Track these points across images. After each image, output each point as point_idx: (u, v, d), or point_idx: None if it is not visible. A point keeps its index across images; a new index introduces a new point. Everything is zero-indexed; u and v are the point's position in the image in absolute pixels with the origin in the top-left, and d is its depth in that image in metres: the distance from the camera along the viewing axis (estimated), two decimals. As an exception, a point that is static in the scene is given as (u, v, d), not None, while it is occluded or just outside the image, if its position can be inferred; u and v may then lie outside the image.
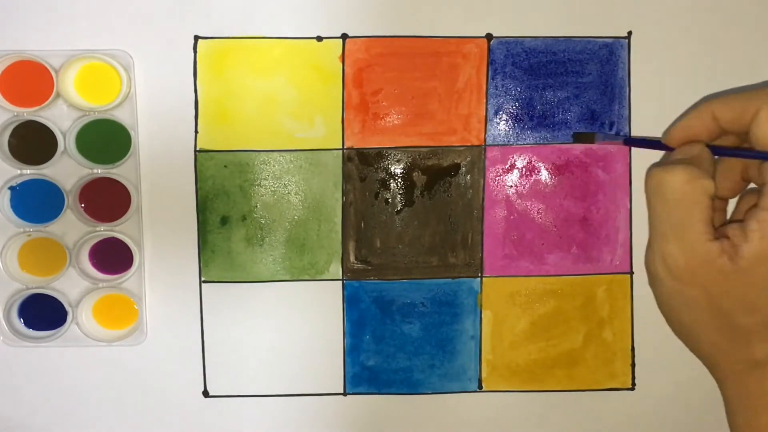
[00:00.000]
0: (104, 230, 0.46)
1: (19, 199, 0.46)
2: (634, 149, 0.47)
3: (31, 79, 0.45)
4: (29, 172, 0.45)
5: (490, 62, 0.46)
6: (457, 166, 0.47)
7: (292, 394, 0.48)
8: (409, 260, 0.47)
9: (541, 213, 0.47)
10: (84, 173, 0.45)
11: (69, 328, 0.46)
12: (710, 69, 0.46)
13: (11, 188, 0.46)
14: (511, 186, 0.47)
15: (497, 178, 0.47)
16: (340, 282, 0.47)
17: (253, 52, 0.46)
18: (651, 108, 0.46)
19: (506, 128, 0.47)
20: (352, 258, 0.47)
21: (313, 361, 0.47)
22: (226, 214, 0.46)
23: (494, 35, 0.46)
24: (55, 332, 0.46)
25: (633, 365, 0.48)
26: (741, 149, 0.39)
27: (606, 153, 0.47)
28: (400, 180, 0.47)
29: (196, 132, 0.46)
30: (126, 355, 0.47)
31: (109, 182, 0.45)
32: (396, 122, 0.46)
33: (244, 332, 0.47)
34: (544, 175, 0.47)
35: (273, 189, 0.46)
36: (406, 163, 0.47)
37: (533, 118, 0.46)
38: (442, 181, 0.47)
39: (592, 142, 0.46)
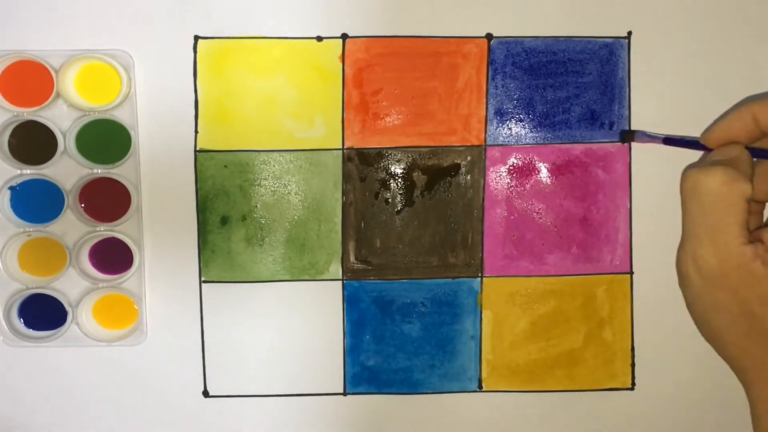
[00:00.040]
0: (104, 230, 0.46)
1: (19, 199, 0.46)
2: (636, 149, 0.47)
3: (31, 79, 0.45)
4: (29, 172, 0.45)
5: (490, 62, 0.46)
6: (457, 166, 0.47)
7: (292, 394, 0.48)
8: (409, 260, 0.47)
9: (541, 213, 0.47)
10: (84, 173, 0.45)
11: (69, 328, 0.46)
12: (710, 69, 0.46)
13: (11, 188, 0.46)
14: (511, 186, 0.47)
15: (497, 178, 0.47)
16: (340, 282, 0.47)
17: (253, 52, 0.46)
18: (651, 108, 0.46)
19: (506, 128, 0.47)
20: (352, 258, 0.47)
21: (313, 361, 0.47)
22: (226, 214, 0.46)
23: (494, 35, 0.46)
24: (55, 332, 0.46)
25: (633, 365, 0.48)
26: None
27: (606, 153, 0.47)
28: (400, 180, 0.47)
29: (196, 132, 0.46)
30: (126, 355, 0.47)
31: (109, 182, 0.45)
32: (396, 122, 0.46)
33: (244, 332, 0.47)
34: (544, 175, 0.47)
35: (273, 189, 0.46)
36: (406, 163, 0.47)
37: (533, 118, 0.46)
38: (442, 181, 0.47)
39: (632, 140, 0.46)
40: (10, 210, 0.46)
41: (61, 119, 0.45)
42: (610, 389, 0.48)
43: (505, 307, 0.47)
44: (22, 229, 0.46)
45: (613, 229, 0.47)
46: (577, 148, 0.47)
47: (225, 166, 0.46)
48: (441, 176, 0.47)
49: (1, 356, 0.47)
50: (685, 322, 0.39)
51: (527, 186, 0.47)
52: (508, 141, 0.47)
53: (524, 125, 0.47)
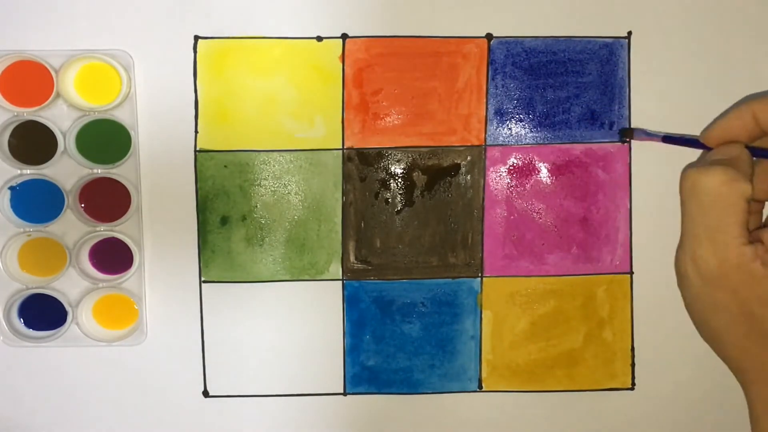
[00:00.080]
0: (104, 230, 0.46)
1: (19, 199, 0.46)
2: (636, 149, 0.47)
3: (31, 79, 0.45)
4: (29, 172, 0.45)
5: (490, 62, 0.46)
6: (457, 166, 0.47)
7: (292, 394, 0.48)
8: (409, 260, 0.47)
9: (541, 213, 0.47)
10: (84, 173, 0.45)
11: (69, 328, 0.46)
12: (710, 69, 0.46)
13: (11, 188, 0.46)
14: (511, 186, 0.47)
15: (497, 178, 0.47)
16: (340, 282, 0.47)
17: (253, 52, 0.46)
18: (651, 108, 0.46)
19: (506, 128, 0.47)
20: (352, 258, 0.47)
21: (313, 361, 0.47)
22: (226, 214, 0.46)
23: (494, 35, 0.46)
24: (55, 332, 0.46)
25: (633, 365, 0.48)
26: None
27: (606, 153, 0.47)
28: (400, 180, 0.47)
29: (196, 132, 0.46)
30: (126, 355, 0.47)
31: (109, 182, 0.45)
32: (396, 122, 0.46)
33: (244, 332, 0.47)
34: (544, 175, 0.47)
35: (273, 189, 0.46)
36: (406, 163, 0.47)
37: (533, 118, 0.46)
38: (442, 181, 0.47)
39: (631, 138, 0.46)
40: (10, 210, 0.46)
41: (61, 119, 0.45)
42: (610, 389, 0.48)
43: (505, 307, 0.47)
44: (22, 229, 0.46)
45: (613, 229, 0.47)
46: (577, 148, 0.47)
47: (225, 166, 0.46)
48: (441, 176, 0.47)
49: (1, 356, 0.47)
50: (685, 322, 0.39)
51: (527, 186, 0.47)
52: (508, 141, 0.47)
53: (524, 125, 0.47)
